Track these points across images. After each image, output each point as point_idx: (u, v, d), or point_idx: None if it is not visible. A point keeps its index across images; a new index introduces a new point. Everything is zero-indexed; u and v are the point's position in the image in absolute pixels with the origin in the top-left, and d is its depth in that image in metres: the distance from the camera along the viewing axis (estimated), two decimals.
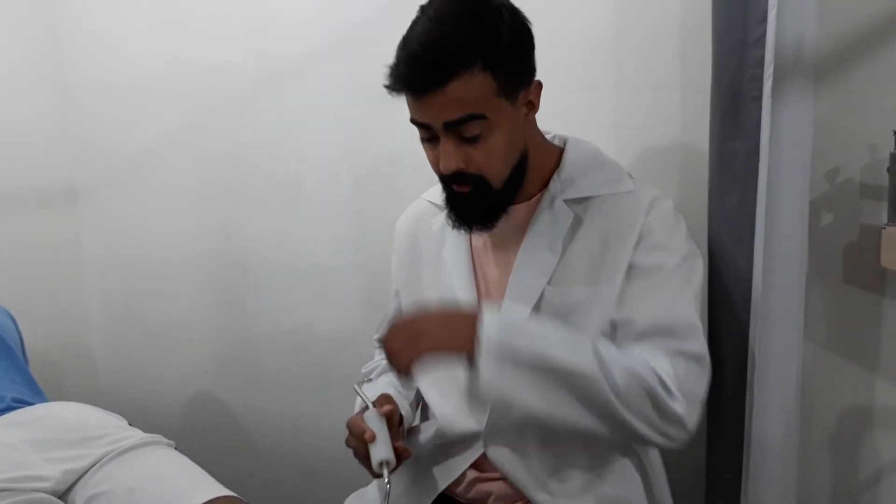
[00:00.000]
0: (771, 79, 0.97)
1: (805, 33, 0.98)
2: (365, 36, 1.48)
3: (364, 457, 0.95)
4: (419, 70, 0.89)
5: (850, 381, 1.20)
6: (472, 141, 0.92)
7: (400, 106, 1.44)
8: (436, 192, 1.11)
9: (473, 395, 0.93)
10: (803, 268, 1.05)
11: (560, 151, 1.06)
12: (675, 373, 0.89)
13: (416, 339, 0.87)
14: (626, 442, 1.02)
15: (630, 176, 1.05)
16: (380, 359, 1.21)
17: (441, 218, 1.09)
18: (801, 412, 1.09)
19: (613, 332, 0.96)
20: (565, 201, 1.01)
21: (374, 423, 0.96)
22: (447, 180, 0.97)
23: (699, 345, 0.93)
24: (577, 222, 1.00)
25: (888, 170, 1.08)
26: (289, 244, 1.67)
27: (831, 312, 1.19)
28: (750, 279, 1.03)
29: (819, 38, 1.01)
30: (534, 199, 1.03)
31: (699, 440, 1.18)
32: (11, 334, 1.40)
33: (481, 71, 0.88)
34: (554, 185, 1.02)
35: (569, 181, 1.02)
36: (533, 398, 0.86)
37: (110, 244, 1.89)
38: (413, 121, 0.94)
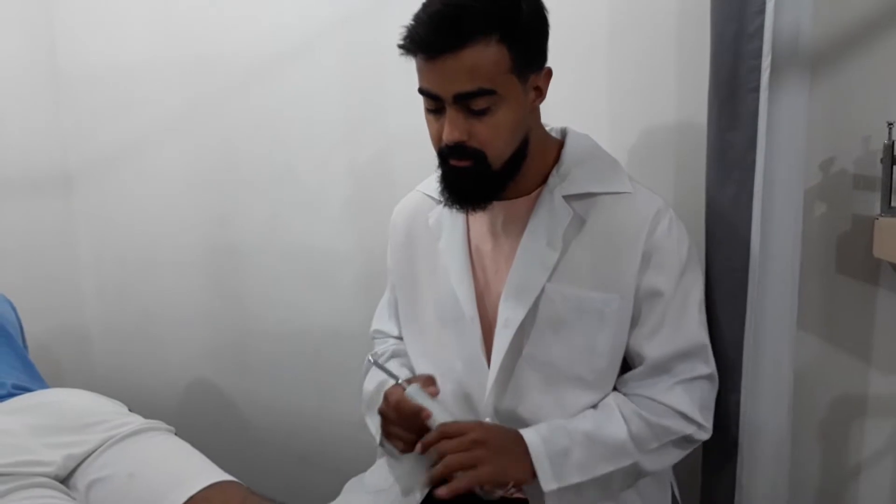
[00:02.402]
0: (769, 70, 0.98)
1: (802, 25, 0.98)
2: (360, 22, 1.48)
3: (400, 436, 1.00)
4: (437, 30, 0.88)
5: (843, 370, 1.22)
6: (479, 114, 0.91)
7: (395, 93, 1.47)
8: (431, 184, 1.10)
9: None
10: (797, 258, 1.06)
11: (560, 145, 1.05)
12: (694, 401, 1.00)
13: (475, 466, 0.91)
14: None
15: (629, 176, 1.05)
16: (388, 346, 1.21)
17: (437, 211, 1.09)
18: (793, 401, 1.11)
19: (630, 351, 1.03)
20: (564, 197, 1.01)
21: (422, 397, 0.98)
22: (446, 154, 0.95)
23: (709, 365, 1.03)
24: (578, 220, 1.00)
25: (881, 161, 1.09)
26: (283, 230, 1.67)
27: (824, 302, 1.21)
28: (746, 269, 1.05)
29: (815, 30, 1.02)
30: (533, 193, 1.03)
31: None
32: (11, 321, 1.40)
33: (498, 42, 0.88)
34: (553, 180, 1.02)
35: (568, 177, 1.02)
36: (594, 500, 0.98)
37: (104, 231, 1.88)
38: (421, 90, 0.94)
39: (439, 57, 0.88)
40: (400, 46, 0.91)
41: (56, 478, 1.07)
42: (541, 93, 0.98)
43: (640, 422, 0.98)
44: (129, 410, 1.24)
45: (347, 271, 1.62)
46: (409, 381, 1.01)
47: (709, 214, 1.13)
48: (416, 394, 0.98)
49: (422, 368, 1.11)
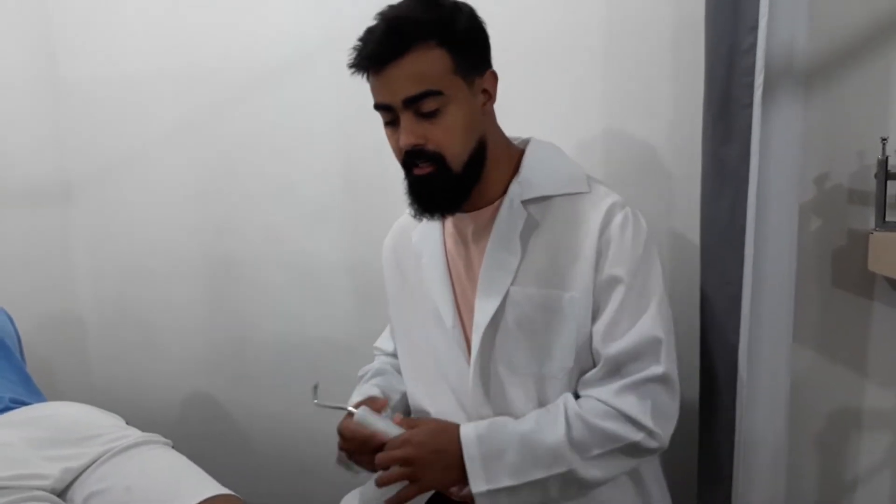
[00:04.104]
0: (762, 87, 0.99)
1: (795, 41, 1.00)
2: (357, 35, 1.49)
3: (368, 462, 1.01)
4: (380, 43, 0.95)
5: (839, 383, 1.22)
6: (430, 116, 0.95)
7: None
8: None
9: None
10: (792, 272, 1.06)
11: (521, 153, 1.08)
12: (645, 405, 0.95)
13: (413, 479, 0.95)
14: None
15: (589, 177, 1.06)
16: (373, 364, 1.24)
17: (420, 229, 1.13)
18: (789, 413, 1.11)
19: (593, 347, 1.01)
20: (522, 202, 1.03)
21: (370, 420, 0.99)
22: (408, 163, 0.99)
23: (663, 364, 0.97)
24: (532, 223, 1.03)
25: (875, 176, 1.10)
26: (280, 242, 1.68)
27: (820, 316, 1.21)
28: (740, 283, 1.05)
29: (809, 46, 1.03)
30: (497, 202, 1.05)
31: (691, 441, 1.20)
32: (9, 334, 1.41)
33: (437, 46, 0.94)
34: (513, 187, 1.04)
35: (527, 183, 1.04)
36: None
37: (103, 241, 1.88)
38: (376, 106, 0.99)
39: (385, 68, 0.94)
40: (350, 66, 0.98)
41: (53, 491, 1.07)
42: (490, 96, 1.02)
43: (581, 425, 0.96)
44: (127, 423, 1.24)
45: (344, 282, 1.62)
46: (358, 405, 1.03)
47: (703, 228, 1.14)
48: (363, 419, 1.00)
49: (417, 382, 1.13)
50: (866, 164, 1.14)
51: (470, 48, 0.98)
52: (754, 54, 0.99)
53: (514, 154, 1.07)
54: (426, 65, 0.94)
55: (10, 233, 1.78)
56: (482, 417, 1.04)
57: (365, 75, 0.99)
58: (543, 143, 1.09)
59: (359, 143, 1.55)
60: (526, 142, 1.10)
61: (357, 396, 1.13)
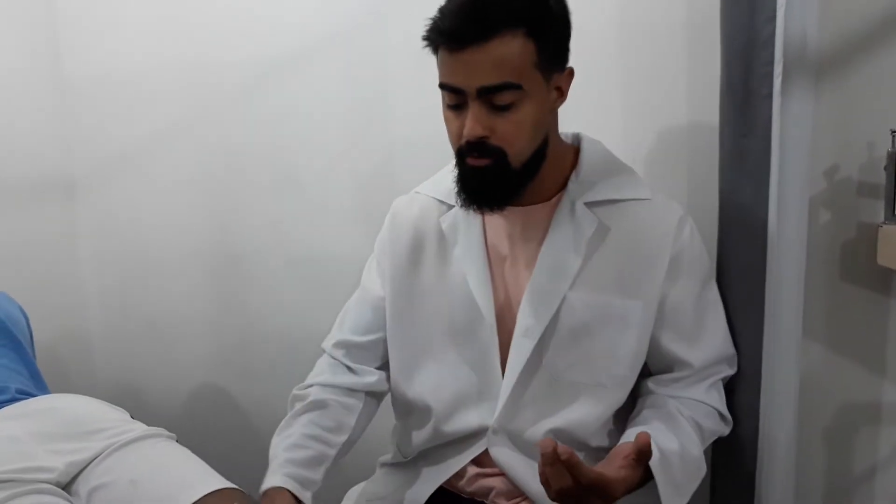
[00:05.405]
0: (780, 76, 0.98)
1: (808, 32, 0.98)
2: (364, 29, 1.48)
3: None
4: (464, 21, 0.86)
5: (847, 377, 1.22)
6: (503, 110, 0.89)
7: (398, 100, 1.47)
8: (438, 188, 1.09)
9: None
10: (802, 265, 1.06)
11: (575, 150, 1.05)
12: (723, 399, 1.05)
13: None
14: None
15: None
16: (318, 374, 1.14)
17: (451, 216, 1.06)
18: (799, 409, 1.10)
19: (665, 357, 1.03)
20: (586, 204, 1.00)
21: None
22: (465, 152, 0.93)
23: (734, 368, 1.08)
24: (603, 228, 0.99)
25: (885, 168, 1.09)
26: (286, 236, 1.67)
27: (828, 310, 1.20)
28: (763, 278, 1.04)
29: (820, 38, 1.02)
30: (552, 199, 1.02)
31: None
32: (22, 329, 1.40)
33: (525, 36, 0.87)
34: (573, 186, 1.01)
35: (587, 183, 1.01)
36: None
37: (107, 237, 1.88)
38: (443, 85, 0.92)
39: (465, 49, 0.86)
40: (424, 38, 0.90)
41: (58, 484, 1.07)
42: (562, 93, 0.97)
43: (699, 429, 0.99)
44: (132, 417, 1.24)
45: (350, 277, 1.61)
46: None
47: (723, 219, 1.13)
48: None
49: (417, 378, 1.08)
50: (876, 156, 1.13)
51: (555, 42, 0.93)
52: (773, 45, 0.97)
53: (568, 150, 1.04)
54: (510, 54, 0.87)
55: (16, 227, 1.78)
56: (511, 426, 1.01)
57: (434, 50, 0.91)
58: (594, 141, 1.06)
59: (365, 139, 1.54)
60: (574, 136, 1.07)
61: (304, 427, 1.03)
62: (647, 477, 0.88)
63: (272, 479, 0.97)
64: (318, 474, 1.01)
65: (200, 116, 1.69)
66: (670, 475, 0.89)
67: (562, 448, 0.79)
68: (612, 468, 0.84)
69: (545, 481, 0.81)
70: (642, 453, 0.83)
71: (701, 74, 1.19)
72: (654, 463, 0.87)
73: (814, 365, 1.21)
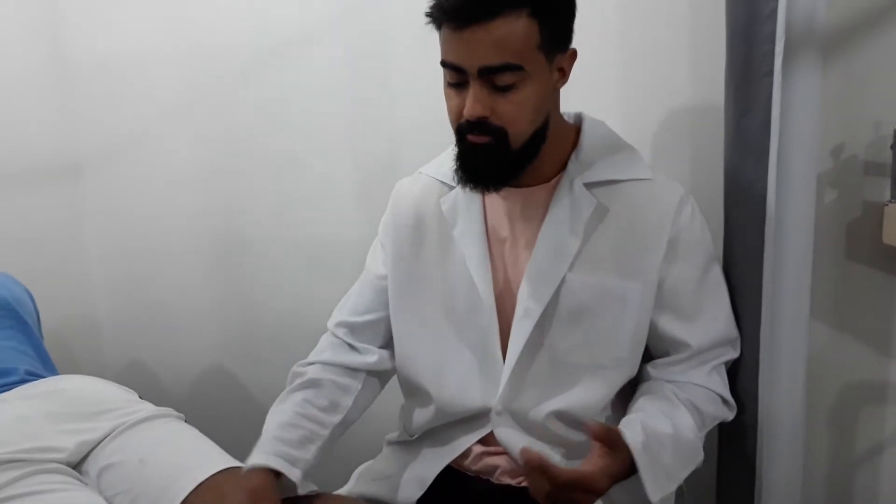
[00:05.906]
0: (782, 54, 0.96)
1: (816, 9, 0.97)
2: (365, 12, 1.48)
3: None
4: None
5: (852, 356, 1.22)
6: (504, 90, 0.89)
7: (401, 83, 1.46)
8: (440, 169, 1.09)
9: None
10: (810, 245, 1.05)
11: (576, 130, 1.04)
12: (725, 383, 1.04)
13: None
14: None
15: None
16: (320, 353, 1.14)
17: (452, 197, 1.06)
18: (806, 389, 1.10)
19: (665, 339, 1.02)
20: (585, 185, 0.99)
21: None
22: (465, 130, 0.93)
23: (738, 350, 1.06)
24: (601, 208, 0.99)
25: (892, 147, 1.08)
26: (289, 220, 1.67)
27: (833, 289, 1.20)
28: (761, 257, 1.03)
29: (827, 15, 1.00)
30: (552, 181, 1.01)
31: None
32: (29, 311, 1.41)
33: (529, 16, 0.87)
34: (572, 166, 1.01)
35: (587, 164, 1.00)
36: None
37: (113, 220, 1.89)
38: (444, 62, 0.91)
39: (468, 27, 0.86)
40: (427, 15, 0.90)
41: (68, 464, 1.08)
42: (564, 74, 0.96)
43: (697, 414, 0.98)
44: (140, 398, 1.25)
45: (354, 260, 1.61)
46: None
47: (727, 199, 1.12)
48: None
49: (419, 359, 1.08)
50: (882, 134, 1.12)
51: (560, 23, 0.92)
52: (774, 21, 0.96)
53: (569, 131, 1.03)
54: (513, 35, 0.86)
55: (22, 212, 1.79)
56: (514, 407, 1.02)
57: (437, 27, 0.91)
58: (596, 122, 1.05)
59: (368, 123, 1.54)
60: (576, 116, 1.06)
61: (299, 407, 1.04)
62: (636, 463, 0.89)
63: (256, 457, 0.97)
64: (307, 453, 1.00)
65: (203, 101, 1.69)
66: (656, 459, 0.89)
67: (531, 455, 0.83)
68: (590, 462, 0.86)
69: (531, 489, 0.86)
70: (604, 439, 0.86)
71: (706, 52, 1.18)
72: (636, 447, 0.88)
73: (819, 345, 1.21)
